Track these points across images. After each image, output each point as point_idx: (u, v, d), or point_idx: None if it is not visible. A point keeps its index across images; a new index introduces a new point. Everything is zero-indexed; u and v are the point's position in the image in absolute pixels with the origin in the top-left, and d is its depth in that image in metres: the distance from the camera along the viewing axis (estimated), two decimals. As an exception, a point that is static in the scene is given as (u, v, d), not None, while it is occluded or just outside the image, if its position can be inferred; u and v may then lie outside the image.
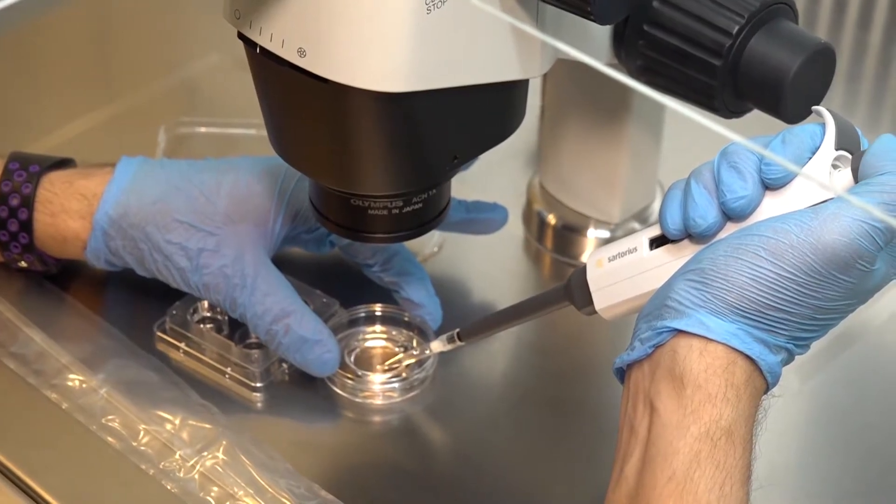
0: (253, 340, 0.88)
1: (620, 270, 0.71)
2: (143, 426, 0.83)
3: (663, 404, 0.65)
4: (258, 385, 0.87)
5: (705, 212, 0.67)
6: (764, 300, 0.64)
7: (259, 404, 0.87)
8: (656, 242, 0.70)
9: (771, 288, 0.64)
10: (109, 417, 0.84)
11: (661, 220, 0.69)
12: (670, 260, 0.69)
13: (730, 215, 0.67)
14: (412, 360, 0.87)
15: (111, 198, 0.86)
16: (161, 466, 0.81)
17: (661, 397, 0.65)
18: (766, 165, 0.66)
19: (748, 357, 0.65)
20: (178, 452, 0.82)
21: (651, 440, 0.65)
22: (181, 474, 0.81)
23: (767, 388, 0.67)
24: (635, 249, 0.71)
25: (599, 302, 0.73)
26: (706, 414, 0.64)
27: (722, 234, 0.67)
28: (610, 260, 0.72)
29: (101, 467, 0.82)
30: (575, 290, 0.74)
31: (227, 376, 0.87)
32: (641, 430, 0.66)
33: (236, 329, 0.89)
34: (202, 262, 0.85)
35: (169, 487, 0.80)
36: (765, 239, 0.64)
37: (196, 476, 0.81)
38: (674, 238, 0.69)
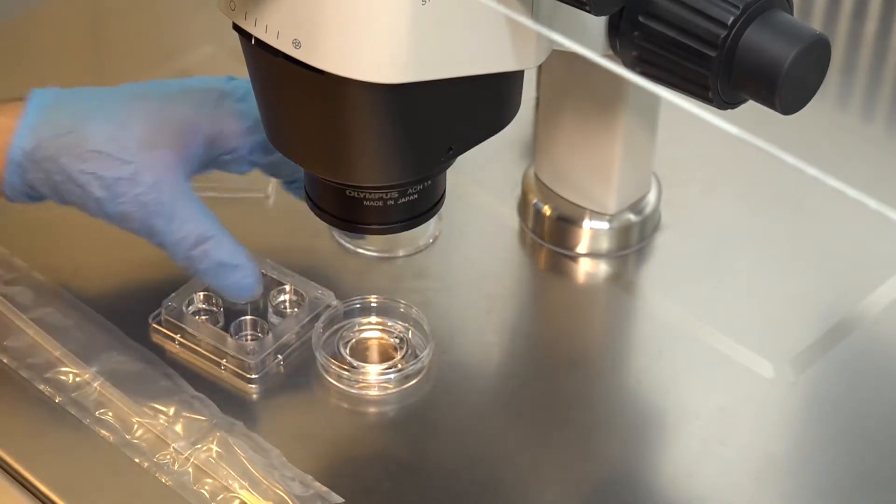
0: (248, 332, 0.88)
1: None
2: (137, 419, 0.83)
3: None
4: (253, 377, 0.86)
5: None
6: None
7: (254, 395, 0.86)
8: None
9: None
10: (103, 410, 0.84)
11: None
12: None
13: None
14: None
15: (24, 131, 0.84)
16: (155, 459, 0.81)
17: None
18: None
19: None
20: (172, 445, 0.82)
21: None
22: (175, 467, 0.81)
23: None
24: None
25: None
26: None
27: None
28: None
29: (95, 461, 0.82)
30: None
31: (222, 368, 0.87)
32: None
33: (231, 320, 0.88)
34: (118, 191, 0.83)
35: (163, 480, 0.80)
36: None
37: (190, 469, 0.81)
38: None
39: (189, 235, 0.84)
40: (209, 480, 0.80)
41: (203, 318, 0.89)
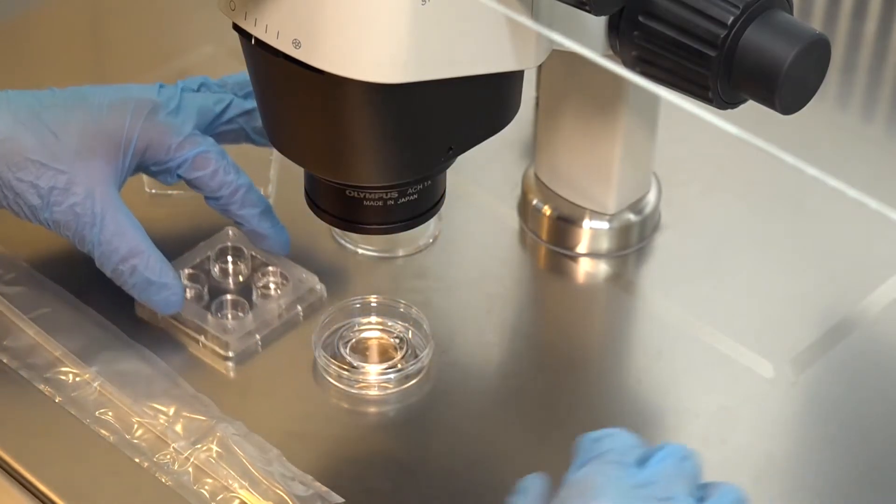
0: (229, 311, 0.90)
1: None
2: (137, 419, 0.83)
3: None
4: (230, 355, 0.88)
5: None
6: None
7: (231, 373, 0.87)
8: None
9: None
10: (103, 410, 0.84)
11: None
12: None
13: None
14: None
15: None
16: (155, 459, 0.81)
17: None
18: None
19: None
20: (172, 445, 0.82)
21: None
22: (175, 467, 0.81)
23: None
24: None
25: None
26: None
27: None
28: None
29: (95, 461, 0.82)
30: None
31: (201, 345, 0.88)
32: None
33: (214, 298, 0.90)
34: (53, 200, 0.85)
35: (163, 480, 0.80)
36: None
37: (190, 469, 0.81)
38: None
39: (118, 249, 0.85)
40: (209, 480, 0.80)
41: (187, 295, 0.90)
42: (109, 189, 0.86)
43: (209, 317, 0.88)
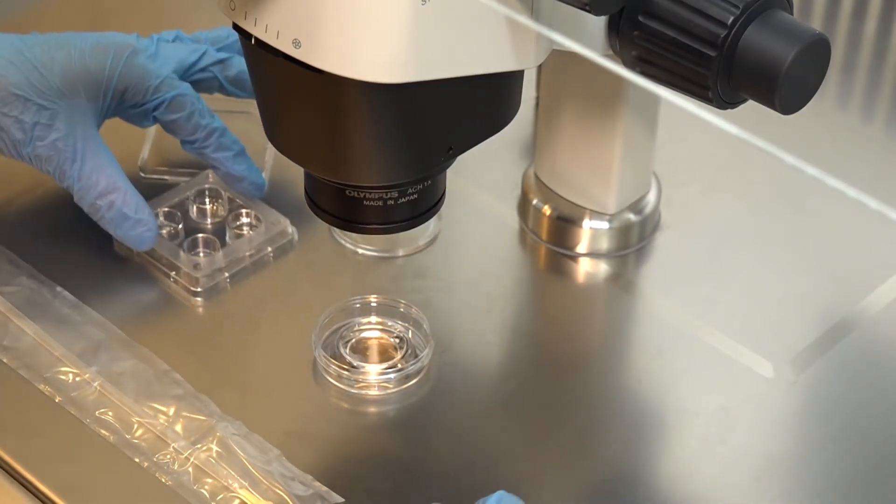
0: (201, 249, 0.93)
1: None
2: (137, 419, 0.83)
3: None
4: (199, 290, 0.91)
5: None
6: None
7: (200, 309, 0.90)
8: None
9: None
10: (103, 410, 0.84)
11: None
12: None
13: None
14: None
15: None
16: (155, 459, 0.81)
17: None
18: None
19: None
20: (171, 445, 0.82)
21: None
22: (175, 467, 0.81)
23: None
24: None
25: None
26: None
27: None
28: None
29: (95, 461, 0.82)
30: None
31: (172, 280, 0.91)
32: None
33: (189, 237, 0.94)
34: (36, 135, 0.88)
35: (163, 480, 0.80)
36: None
37: (190, 469, 0.81)
38: None
39: (97, 184, 0.89)
40: (209, 480, 0.80)
41: (163, 232, 0.93)
42: (90, 127, 0.90)
43: (181, 253, 0.92)
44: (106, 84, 0.90)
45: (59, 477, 0.81)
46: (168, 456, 0.82)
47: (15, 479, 0.81)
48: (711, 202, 1.00)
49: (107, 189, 0.89)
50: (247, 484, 0.80)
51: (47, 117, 0.88)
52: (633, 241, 0.96)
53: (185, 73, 0.94)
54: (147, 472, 0.81)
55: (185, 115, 0.92)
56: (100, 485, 0.81)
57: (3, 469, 0.81)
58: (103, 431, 0.83)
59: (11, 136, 0.88)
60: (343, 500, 0.80)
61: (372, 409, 0.86)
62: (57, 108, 0.89)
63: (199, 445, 0.82)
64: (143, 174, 0.98)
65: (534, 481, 0.81)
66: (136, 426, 0.83)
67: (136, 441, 0.82)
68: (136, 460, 0.81)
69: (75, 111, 0.89)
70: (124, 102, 0.92)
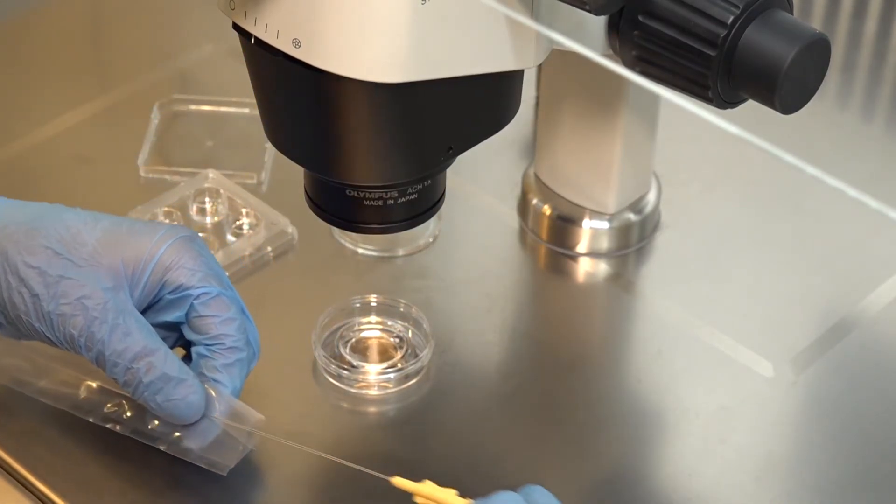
0: None
1: None
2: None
3: None
4: None
5: None
6: None
7: None
8: None
9: None
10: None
11: None
12: None
13: None
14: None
15: None
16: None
17: None
18: None
19: None
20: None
21: None
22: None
23: None
24: None
25: None
26: None
27: None
28: None
29: (95, 461, 0.82)
30: None
31: None
32: None
33: None
34: (60, 291, 0.77)
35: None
36: None
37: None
38: None
39: (132, 347, 0.78)
40: None
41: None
42: (123, 291, 0.79)
43: None
44: (149, 255, 0.79)
45: (59, 477, 0.81)
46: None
47: (15, 479, 0.81)
48: (711, 202, 1.00)
49: (144, 352, 0.77)
50: (247, 484, 0.80)
51: (76, 273, 0.77)
52: (633, 240, 0.96)
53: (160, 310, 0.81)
54: (147, 472, 0.81)
55: (224, 318, 0.80)
56: (100, 485, 0.81)
57: (3, 469, 0.81)
58: (104, 431, 0.83)
59: (31, 290, 0.77)
60: (262, 417, 0.80)
61: (372, 409, 0.86)
62: (88, 267, 0.78)
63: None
64: (143, 174, 0.98)
65: (534, 481, 0.81)
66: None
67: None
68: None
69: (110, 273, 0.78)
70: (168, 282, 0.79)
